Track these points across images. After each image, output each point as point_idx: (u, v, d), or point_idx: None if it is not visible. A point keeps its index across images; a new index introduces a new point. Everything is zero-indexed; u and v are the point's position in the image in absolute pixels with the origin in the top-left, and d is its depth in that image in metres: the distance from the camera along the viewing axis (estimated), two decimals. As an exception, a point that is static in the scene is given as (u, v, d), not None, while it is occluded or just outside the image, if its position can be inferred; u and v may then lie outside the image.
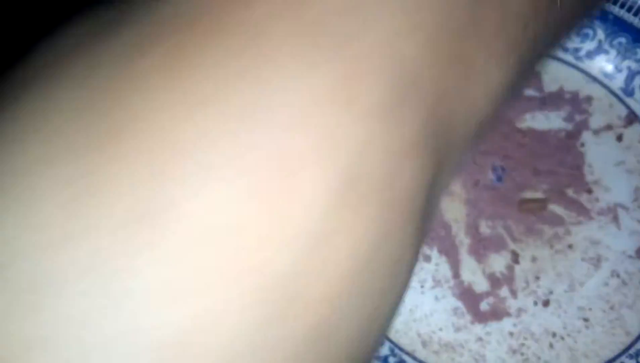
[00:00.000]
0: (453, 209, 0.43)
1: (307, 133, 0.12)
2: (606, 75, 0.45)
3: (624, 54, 0.45)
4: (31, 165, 0.11)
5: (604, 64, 0.45)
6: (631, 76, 0.45)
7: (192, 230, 0.11)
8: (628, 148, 0.44)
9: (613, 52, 0.45)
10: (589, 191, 0.43)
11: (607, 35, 0.45)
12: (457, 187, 0.43)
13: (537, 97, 0.45)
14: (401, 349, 0.39)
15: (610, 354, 0.39)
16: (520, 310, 0.40)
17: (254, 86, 0.12)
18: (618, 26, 0.44)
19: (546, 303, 0.40)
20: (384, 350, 0.39)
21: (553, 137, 0.44)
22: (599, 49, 0.45)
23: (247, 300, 0.11)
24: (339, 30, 0.13)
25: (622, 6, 0.44)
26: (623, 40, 0.44)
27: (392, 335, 0.40)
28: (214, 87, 0.12)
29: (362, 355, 0.14)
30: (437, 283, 0.41)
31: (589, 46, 0.45)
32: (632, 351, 0.39)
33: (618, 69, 0.45)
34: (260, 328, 0.11)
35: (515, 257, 0.41)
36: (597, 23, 0.44)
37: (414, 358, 0.39)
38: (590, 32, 0.45)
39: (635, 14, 0.43)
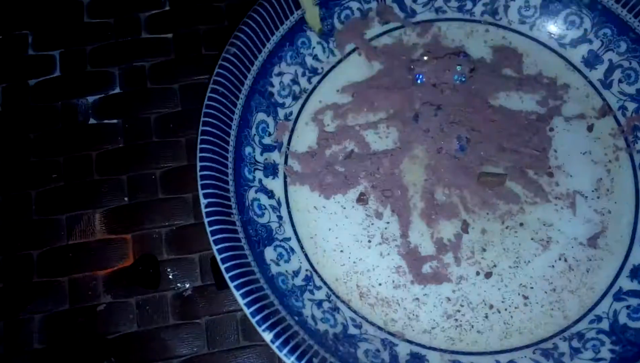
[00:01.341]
0: (412, 172, 0.43)
1: None
2: (587, 65, 0.45)
3: (607, 45, 0.45)
4: None
5: (587, 53, 0.45)
6: (611, 68, 0.45)
7: None
8: (597, 139, 0.44)
9: (597, 43, 0.45)
10: (550, 175, 0.43)
11: (593, 25, 0.45)
12: (420, 151, 0.43)
13: (514, 78, 0.45)
14: (338, 297, 0.40)
15: (544, 334, 0.39)
16: (461, 278, 0.40)
17: None
18: (605, 17, 0.44)
19: (488, 275, 0.40)
20: (320, 295, 0.39)
21: (523, 118, 0.44)
22: (584, 38, 0.45)
23: None
24: None
25: (611, -3, 0.43)
26: (608, 31, 0.44)
27: (332, 282, 0.40)
28: None
29: None
30: (384, 240, 0.41)
31: (574, 33, 0.45)
32: (566, 334, 0.39)
33: (599, 60, 0.45)
34: None
35: (465, 227, 0.41)
36: (585, 11, 0.44)
37: (349, 307, 0.39)
38: (577, 19, 0.45)
39: (624, 6, 0.43)
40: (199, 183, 0.37)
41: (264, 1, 0.41)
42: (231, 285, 0.34)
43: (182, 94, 0.48)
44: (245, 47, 0.41)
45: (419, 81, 0.45)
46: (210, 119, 0.38)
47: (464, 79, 0.44)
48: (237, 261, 0.35)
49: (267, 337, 0.34)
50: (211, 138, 0.38)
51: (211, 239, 0.35)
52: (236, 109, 0.40)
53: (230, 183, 0.38)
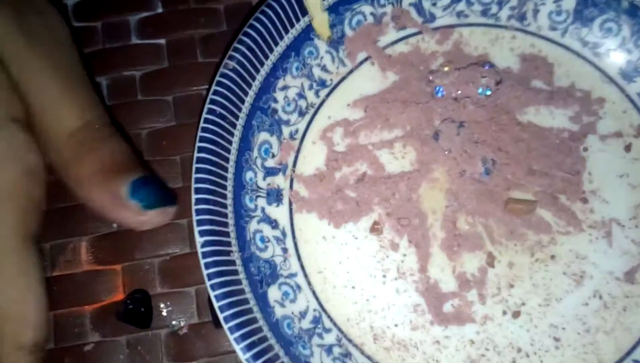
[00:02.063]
0: (432, 198, 0.39)
1: None
2: (625, 77, 0.41)
3: (648, 56, 0.40)
4: None
5: (625, 64, 0.41)
6: (652, 81, 0.40)
7: None
8: (635, 160, 0.40)
9: (636, 53, 0.40)
10: (584, 201, 0.39)
11: (632, 33, 0.40)
12: (440, 174, 0.39)
13: (544, 90, 0.41)
14: (349, 340, 0.36)
15: (577, 381, 0.35)
16: (486, 318, 0.36)
17: None
18: (647, 24, 0.40)
19: (516, 315, 0.36)
20: (330, 339, 0.35)
21: (555, 136, 0.40)
22: (622, 47, 0.41)
23: None
24: None
25: (654, 2, 0.39)
26: (650, 40, 0.40)
27: (343, 323, 0.36)
28: None
29: None
30: (401, 275, 0.37)
31: (611, 42, 0.41)
32: (602, 381, 0.35)
33: (639, 72, 0.40)
34: None
35: (491, 260, 0.37)
36: (623, 18, 0.40)
37: (362, 352, 0.36)
38: (615, 27, 0.40)
39: (668, 13, 0.39)
40: (195, 218, 0.32)
41: (267, 8, 0.37)
42: (231, 337, 0.30)
43: (176, 107, 0.43)
44: (246, 61, 0.36)
45: (438, 95, 0.40)
46: (206, 145, 0.34)
47: (489, 93, 0.40)
48: (238, 309, 0.31)
49: (272, 397, 0.30)
50: (208, 166, 0.34)
51: (208, 284, 0.31)
52: (235, 130, 0.36)
53: (230, 215, 0.34)
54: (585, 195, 0.39)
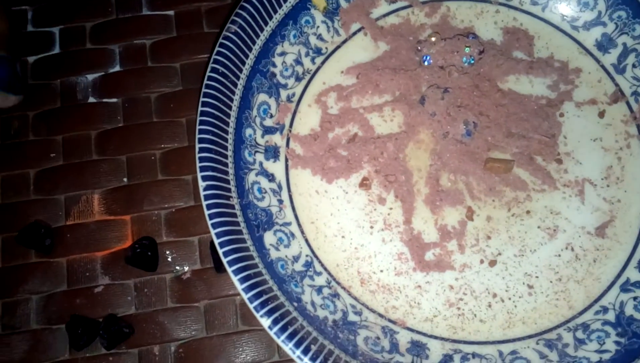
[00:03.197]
0: (417, 157, 0.42)
1: None
2: (600, 49, 0.44)
3: (622, 28, 0.43)
4: None
5: (600, 37, 0.44)
6: (625, 52, 0.43)
7: None
8: (608, 126, 0.43)
9: (611, 26, 0.43)
10: (559, 162, 0.42)
11: (608, 7, 0.43)
12: (425, 135, 0.42)
13: (525, 60, 0.44)
14: (338, 283, 0.39)
15: (548, 324, 0.39)
16: (465, 266, 0.40)
17: None
18: (621, -1, 0.43)
19: (493, 264, 0.40)
20: (321, 281, 0.39)
21: (533, 102, 0.43)
22: (598, 21, 0.44)
23: None
24: None
25: (628, -22, 0.42)
26: (623, 14, 0.43)
27: (332, 268, 0.39)
28: None
29: None
30: (387, 226, 0.40)
31: (588, 16, 0.44)
32: (571, 325, 0.38)
33: (613, 44, 0.43)
34: None
35: (471, 214, 0.40)
36: (599, -7, 0.43)
37: (349, 293, 0.39)
38: (592, 1, 0.43)
39: (641, -12, 0.42)
40: (198, 165, 0.36)
41: (267, -22, 0.40)
42: (229, 269, 0.34)
43: (183, 73, 0.47)
44: (246, 26, 0.39)
45: (426, 63, 0.43)
46: (209, 100, 0.37)
47: (472, 61, 0.43)
48: (236, 246, 0.34)
49: (265, 323, 0.33)
50: (210, 119, 0.37)
51: (209, 222, 0.35)
52: (237, 89, 0.39)
53: (230, 165, 0.37)
54: (560, 156, 0.42)
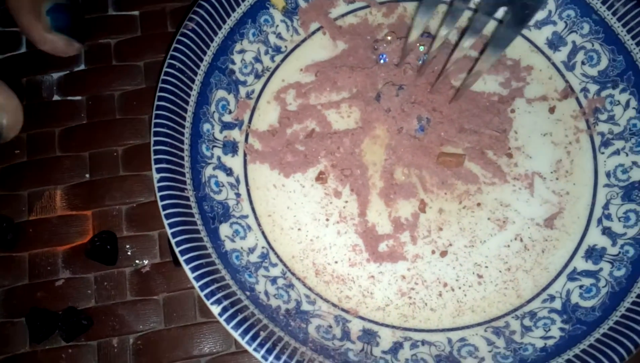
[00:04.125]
0: (373, 151, 0.43)
1: None
2: (551, 47, 0.45)
3: (571, 27, 0.44)
4: None
5: (551, 35, 0.45)
6: (575, 50, 0.44)
7: None
8: (558, 121, 0.44)
9: (561, 24, 0.45)
10: (510, 156, 0.43)
11: (557, 6, 0.45)
12: (381, 131, 0.43)
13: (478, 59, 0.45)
14: (293, 274, 0.40)
15: (497, 313, 0.40)
16: (417, 257, 0.41)
17: None
18: (569, -1, 0.44)
19: (444, 254, 0.41)
20: (275, 272, 0.39)
21: (485, 99, 0.44)
22: (548, 20, 0.45)
23: None
24: None
25: (575, -21, 0.43)
26: (572, 12, 0.44)
27: (288, 260, 0.40)
28: None
29: None
30: (342, 219, 0.41)
31: (539, 15, 0.45)
32: (519, 313, 0.40)
33: (563, 42, 0.45)
34: None
35: (423, 206, 0.42)
36: (549, -7, 0.44)
37: (304, 284, 0.40)
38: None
39: (587, -11, 0.43)
40: (152, 157, 0.37)
41: (224, -23, 0.41)
42: (181, 259, 0.35)
43: (146, 72, 0.48)
44: (204, 23, 0.41)
45: (382, 61, 0.44)
46: (165, 95, 0.38)
47: (426, 59, 0.44)
48: (188, 236, 0.35)
49: (215, 310, 0.34)
50: (166, 113, 0.38)
51: (163, 213, 0.35)
52: (194, 85, 0.40)
53: (186, 158, 0.38)
54: (511, 151, 0.43)
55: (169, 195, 0.36)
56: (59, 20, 0.43)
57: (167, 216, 0.35)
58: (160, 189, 0.36)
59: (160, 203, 0.35)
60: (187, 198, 0.37)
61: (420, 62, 0.44)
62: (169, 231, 0.35)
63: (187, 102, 0.39)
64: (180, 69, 0.39)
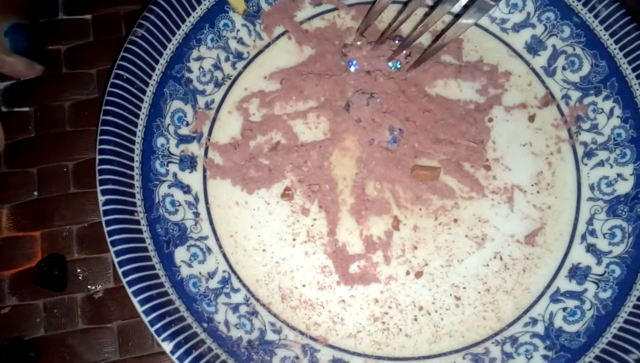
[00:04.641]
0: (342, 165, 0.40)
1: None
2: (530, 51, 0.43)
3: (550, 30, 0.42)
4: None
5: (530, 39, 0.43)
6: (555, 54, 0.42)
7: None
8: (539, 130, 0.42)
9: (540, 27, 0.42)
10: (488, 168, 0.40)
11: (536, 8, 0.42)
12: (351, 143, 0.41)
13: (453, 65, 0.43)
14: (257, 299, 0.37)
15: (476, 337, 0.37)
16: (390, 278, 0.38)
17: None
18: None
19: (419, 275, 0.38)
20: (238, 298, 0.36)
21: (461, 107, 0.42)
22: (526, 22, 0.43)
23: None
24: None
25: (555, -21, 0.41)
26: (552, 15, 0.42)
27: (252, 284, 0.37)
28: None
29: None
30: (310, 238, 0.39)
31: (517, 17, 0.43)
32: (499, 338, 0.37)
33: (543, 46, 0.42)
34: None
35: (397, 223, 0.39)
36: (527, -6, 0.42)
37: (269, 310, 0.37)
38: (520, 2, 0.42)
39: (568, -11, 0.41)
40: (97, 178, 0.33)
41: (178, -21, 0.38)
42: (129, 290, 0.31)
43: (99, 80, 0.44)
44: (155, 29, 0.37)
45: (352, 69, 0.42)
46: (112, 108, 0.35)
47: (398, 66, 0.41)
48: (138, 264, 0.32)
49: (167, 347, 0.31)
50: (113, 129, 0.35)
51: (108, 240, 0.32)
52: (145, 96, 0.37)
53: (137, 177, 0.35)
54: (489, 163, 0.40)
55: (116, 219, 0.33)
56: (19, 41, 0.40)
57: (114, 243, 0.32)
58: (106, 213, 0.32)
59: (105, 229, 0.32)
60: (137, 221, 0.34)
61: (392, 68, 0.41)
62: (115, 260, 0.32)
63: (137, 116, 0.36)
64: (129, 79, 0.36)
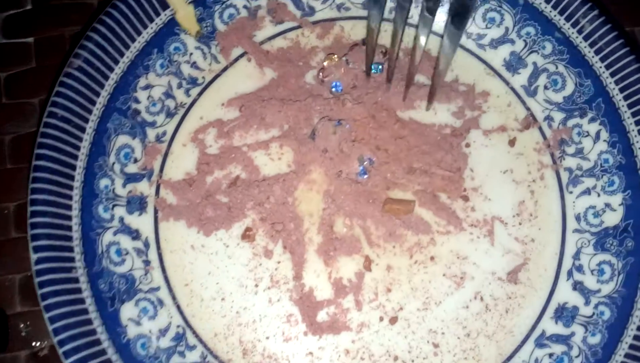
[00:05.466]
0: (309, 200, 0.37)
1: None
2: (509, 69, 0.39)
3: (531, 46, 0.39)
4: None
5: (509, 56, 0.39)
6: (536, 73, 0.39)
7: None
8: (520, 155, 0.38)
9: (520, 43, 0.39)
10: (465, 199, 0.37)
11: (515, 23, 0.39)
12: (317, 175, 0.37)
13: (427, 85, 0.39)
14: (216, 356, 0.34)
15: (456, 387, 0.34)
16: (362, 326, 0.35)
17: None
18: (528, 13, 0.38)
19: (394, 321, 0.35)
20: (193, 356, 0.33)
21: (436, 132, 0.38)
22: (505, 38, 0.39)
23: None
24: None
25: (534, -9, 0.37)
26: (532, 30, 0.39)
27: (209, 339, 0.34)
28: None
29: None
30: (274, 283, 0.35)
31: (495, 33, 0.39)
32: (482, 386, 0.34)
33: (523, 63, 0.39)
34: None
35: (368, 263, 0.36)
36: (505, 6, 0.38)
37: (228, 367, 0.33)
38: (497, 16, 0.39)
39: (547, 1, 0.37)
40: (29, 232, 0.30)
41: (119, 2, 0.34)
42: (65, 362, 0.28)
43: (43, 111, 0.40)
44: (95, 59, 0.33)
45: (334, 90, 0.38)
46: (46, 151, 0.31)
47: (380, 69, 0.38)
48: (75, 331, 0.29)
49: (109, 425, 0.27)
50: (47, 175, 0.31)
51: (42, 305, 0.29)
52: (85, 134, 0.33)
53: (76, 227, 0.32)
54: (467, 193, 0.37)
55: (50, 280, 0.29)
56: None
57: (48, 308, 0.28)
58: (39, 273, 0.29)
59: (38, 292, 0.29)
60: (76, 279, 0.30)
61: (375, 72, 0.38)
62: (49, 327, 0.28)
63: (75, 157, 0.32)
64: (65, 118, 0.32)
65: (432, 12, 0.34)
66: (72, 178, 0.32)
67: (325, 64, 0.39)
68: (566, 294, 0.35)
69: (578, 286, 0.35)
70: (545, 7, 0.37)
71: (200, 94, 0.38)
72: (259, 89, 0.39)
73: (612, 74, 0.36)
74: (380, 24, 0.37)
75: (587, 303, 0.34)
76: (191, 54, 0.38)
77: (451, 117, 0.39)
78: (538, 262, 0.36)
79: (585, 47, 0.37)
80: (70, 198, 0.32)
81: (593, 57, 0.37)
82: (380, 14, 0.36)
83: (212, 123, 0.38)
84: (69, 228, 0.31)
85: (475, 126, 0.39)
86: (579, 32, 0.37)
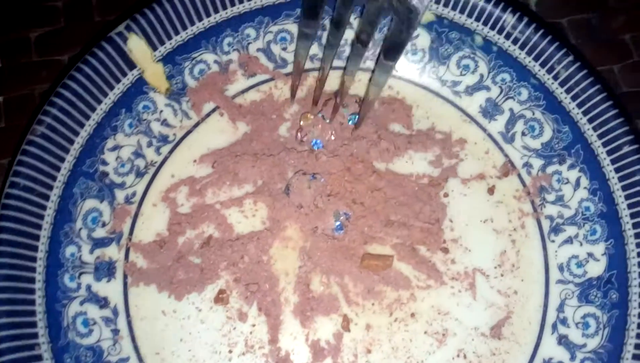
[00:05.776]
0: (284, 258, 0.36)
1: None
2: (485, 115, 0.39)
3: (507, 92, 0.38)
4: None
5: (484, 102, 0.39)
6: (513, 119, 0.38)
7: None
8: (499, 204, 0.37)
9: (495, 90, 0.38)
10: (445, 251, 0.36)
11: (490, 69, 0.38)
12: (292, 232, 0.36)
13: (403, 135, 0.39)
14: None
15: None
16: (341, 391, 0.33)
17: None
18: (502, 60, 0.38)
19: (374, 384, 0.33)
20: None
21: (414, 183, 0.38)
22: (480, 85, 0.39)
23: None
24: None
25: (507, 37, 0.37)
26: (507, 76, 0.38)
27: (183, 408, 0.32)
28: None
29: None
30: (249, 348, 0.34)
31: (470, 79, 0.39)
32: None
33: (499, 110, 0.38)
34: None
35: (347, 323, 0.34)
36: (479, 54, 0.38)
37: None
38: (472, 63, 0.38)
39: (522, 48, 0.37)
40: (-12, 311, 0.28)
41: (83, 65, 0.33)
42: None
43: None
44: (59, 124, 0.33)
45: (315, 148, 0.37)
46: (7, 224, 0.30)
47: (356, 119, 0.37)
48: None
49: None
50: (7, 249, 0.30)
51: (0, 388, 0.27)
52: (49, 202, 0.32)
53: (39, 300, 0.30)
54: (447, 244, 0.36)
55: (11, 361, 0.28)
56: None
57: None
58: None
59: (-3, 374, 0.27)
60: (39, 357, 0.29)
61: (351, 122, 0.37)
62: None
63: (39, 227, 0.31)
64: (27, 187, 0.31)
65: (365, 43, 0.33)
66: (35, 248, 0.31)
67: (301, 123, 0.38)
68: (551, 349, 0.34)
69: (563, 341, 0.34)
70: (520, 54, 0.37)
71: (171, 151, 0.37)
72: (232, 144, 0.38)
73: (590, 120, 0.35)
74: (307, 56, 0.36)
75: (572, 358, 0.33)
76: (161, 111, 0.37)
77: (429, 166, 0.38)
78: (522, 315, 0.35)
79: (561, 93, 0.36)
80: (33, 270, 0.30)
81: (570, 103, 0.36)
82: (308, 48, 0.36)
83: (183, 181, 0.37)
84: (32, 302, 0.30)
85: (453, 175, 0.38)
86: (555, 78, 0.36)
